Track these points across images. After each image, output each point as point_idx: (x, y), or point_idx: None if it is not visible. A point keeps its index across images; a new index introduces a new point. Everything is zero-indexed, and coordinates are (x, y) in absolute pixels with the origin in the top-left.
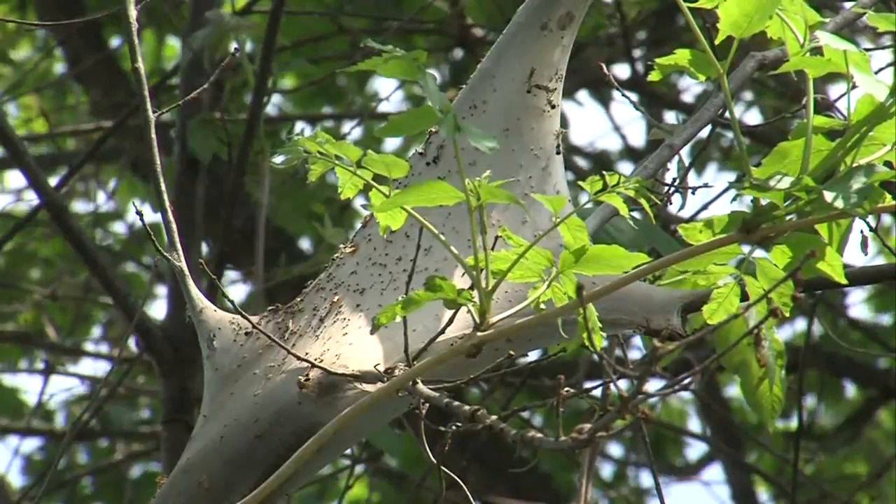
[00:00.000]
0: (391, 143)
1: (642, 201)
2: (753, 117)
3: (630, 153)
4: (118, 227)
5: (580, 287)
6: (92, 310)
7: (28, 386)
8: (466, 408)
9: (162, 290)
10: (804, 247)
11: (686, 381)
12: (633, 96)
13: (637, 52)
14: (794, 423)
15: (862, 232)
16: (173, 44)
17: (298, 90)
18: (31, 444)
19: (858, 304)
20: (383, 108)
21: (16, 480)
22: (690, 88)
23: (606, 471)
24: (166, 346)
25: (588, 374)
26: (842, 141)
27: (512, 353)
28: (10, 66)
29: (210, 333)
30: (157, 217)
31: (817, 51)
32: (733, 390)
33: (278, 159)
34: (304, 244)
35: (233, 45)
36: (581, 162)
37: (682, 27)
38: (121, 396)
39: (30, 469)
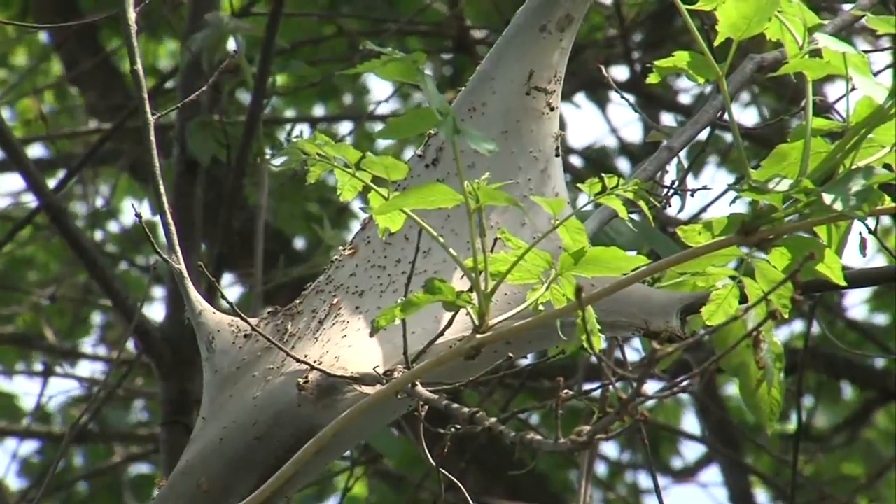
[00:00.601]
0: (383, 143)
1: (641, 203)
2: (751, 116)
3: (626, 150)
4: (113, 228)
5: (579, 289)
6: (90, 312)
7: (26, 388)
8: (465, 410)
9: (160, 292)
10: (803, 249)
11: (685, 384)
12: (631, 98)
13: (635, 54)
14: (791, 425)
15: (861, 234)
16: (167, 45)
17: (297, 91)
18: (28, 447)
19: (857, 305)
20: (376, 108)
21: (12, 484)
22: (688, 90)
23: (602, 469)
24: (165, 347)
25: (587, 376)
26: (841, 143)
27: (511, 355)
28: (9, 71)
29: (209, 335)
30: (156, 219)
31: (816, 53)
32: (731, 391)
33: (277, 161)
34: (299, 244)
35: (232, 47)
36: (579, 161)
37: (680, 29)
38: (119, 398)
39: (26, 472)
